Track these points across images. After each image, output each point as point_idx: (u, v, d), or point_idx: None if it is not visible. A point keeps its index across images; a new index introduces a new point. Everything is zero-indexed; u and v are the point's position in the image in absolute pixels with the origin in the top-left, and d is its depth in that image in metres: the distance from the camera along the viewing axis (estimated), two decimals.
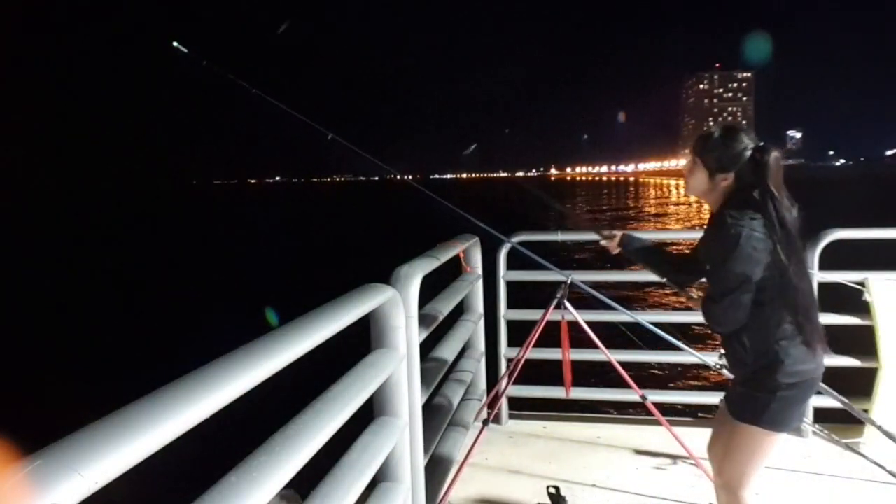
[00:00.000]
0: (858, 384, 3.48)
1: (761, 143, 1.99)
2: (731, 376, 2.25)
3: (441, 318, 2.82)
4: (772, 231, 1.89)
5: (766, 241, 1.89)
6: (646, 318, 3.40)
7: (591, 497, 3.03)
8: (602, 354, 3.36)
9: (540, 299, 3.37)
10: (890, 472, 2.99)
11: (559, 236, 3.96)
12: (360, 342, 2.04)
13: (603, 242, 2.56)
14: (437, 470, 2.93)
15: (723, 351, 2.18)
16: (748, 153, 1.97)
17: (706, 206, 2.23)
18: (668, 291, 14.85)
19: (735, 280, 1.90)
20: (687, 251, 2.41)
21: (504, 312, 3.87)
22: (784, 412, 1.95)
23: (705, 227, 2.16)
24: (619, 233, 2.52)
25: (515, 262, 3.78)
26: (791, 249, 1.90)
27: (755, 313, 1.94)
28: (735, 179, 2.00)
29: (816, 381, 2.01)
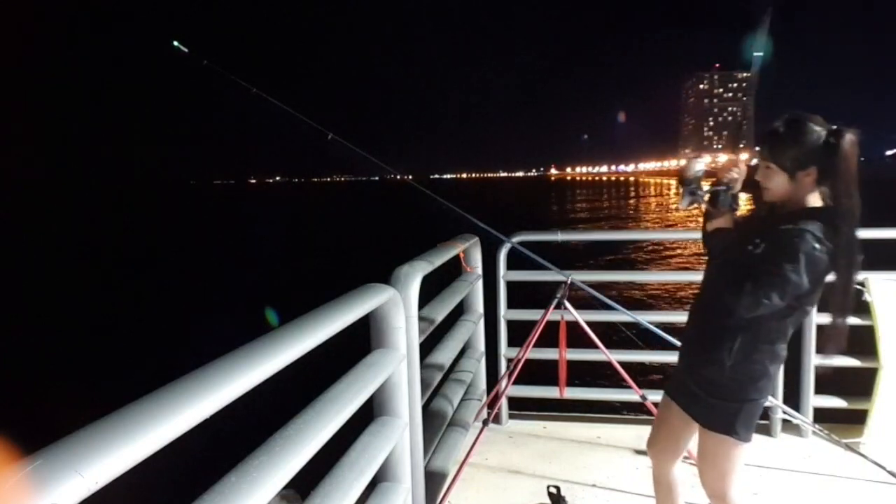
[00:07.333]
0: (858, 384, 3.48)
1: (834, 127, 1.80)
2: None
3: (441, 318, 2.82)
4: (833, 253, 1.76)
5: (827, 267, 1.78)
6: (646, 318, 3.41)
7: (591, 497, 3.03)
8: (602, 354, 3.36)
9: (540, 299, 3.37)
10: (890, 472, 3.00)
11: (559, 236, 3.96)
12: (360, 342, 2.04)
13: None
14: (437, 470, 2.93)
15: (682, 341, 2.12)
16: (822, 140, 1.79)
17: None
18: (667, 291, 14.88)
19: (788, 287, 1.76)
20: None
21: (504, 312, 3.87)
22: (753, 420, 1.98)
23: (769, 219, 1.91)
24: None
25: (515, 262, 3.78)
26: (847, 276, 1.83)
27: (770, 323, 1.87)
28: (818, 172, 1.82)
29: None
